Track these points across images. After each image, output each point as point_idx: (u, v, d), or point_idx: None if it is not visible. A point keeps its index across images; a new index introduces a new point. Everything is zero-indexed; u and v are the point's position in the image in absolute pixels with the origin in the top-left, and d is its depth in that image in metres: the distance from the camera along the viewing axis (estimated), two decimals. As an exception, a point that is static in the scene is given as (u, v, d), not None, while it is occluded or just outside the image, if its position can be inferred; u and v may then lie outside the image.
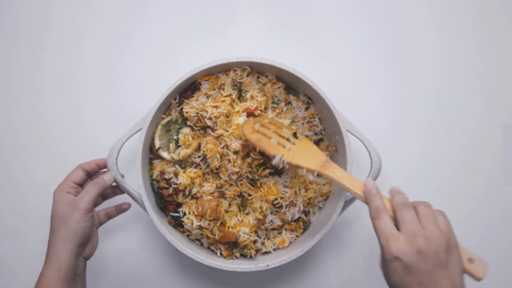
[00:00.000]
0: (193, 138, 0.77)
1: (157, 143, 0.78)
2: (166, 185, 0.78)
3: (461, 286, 0.55)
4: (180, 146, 0.77)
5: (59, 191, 0.71)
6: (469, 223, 0.91)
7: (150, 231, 0.91)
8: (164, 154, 0.78)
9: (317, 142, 0.83)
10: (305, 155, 0.72)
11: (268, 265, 0.74)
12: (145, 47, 0.94)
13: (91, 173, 0.77)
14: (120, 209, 0.82)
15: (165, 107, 0.79)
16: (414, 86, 0.94)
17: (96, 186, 0.71)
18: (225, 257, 0.80)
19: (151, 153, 0.81)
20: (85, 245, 0.72)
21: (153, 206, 0.77)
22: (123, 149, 0.78)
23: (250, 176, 0.77)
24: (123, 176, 0.80)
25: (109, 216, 0.81)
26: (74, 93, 0.93)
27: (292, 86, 0.82)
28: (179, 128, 0.78)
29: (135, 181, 0.75)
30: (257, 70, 0.80)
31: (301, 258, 0.75)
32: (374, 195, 0.62)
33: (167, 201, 0.78)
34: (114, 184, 0.76)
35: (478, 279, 0.58)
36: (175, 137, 0.78)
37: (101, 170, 0.79)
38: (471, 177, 0.92)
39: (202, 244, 0.81)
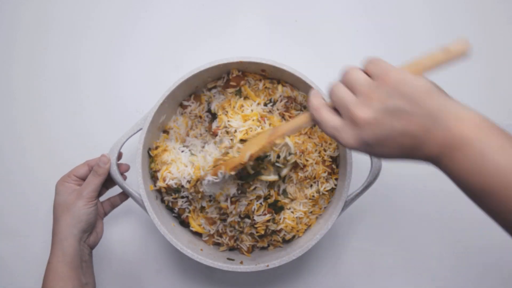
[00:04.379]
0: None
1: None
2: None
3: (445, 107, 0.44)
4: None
5: (62, 182, 0.73)
6: (469, 222, 0.91)
7: (150, 231, 0.91)
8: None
9: None
10: (255, 141, 0.66)
11: (268, 265, 0.74)
12: (145, 47, 0.94)
13: None
14: (123, 198, 0.82)
15: (165, 107, 0.78)
16: (414, 86, 0.93)
17: (97, 175, 0.73)
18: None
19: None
20: (89, 232, 0.73)
21: (153, 206, 0.77)
22: (123, 149, 0.78)
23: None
24: (128, 167, 0.80)
25: (113, 205, 0.81)
26: (74, 93, 0.93)
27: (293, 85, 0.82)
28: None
29: (135, 181, 0.75)
30: (256, 70, 0.80)
31: (301, 258, 0.75)
32: (313, 94, 0.52)
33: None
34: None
35: (461, 53, 0.46)
36: None
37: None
38: (471, 177, 0.92)
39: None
